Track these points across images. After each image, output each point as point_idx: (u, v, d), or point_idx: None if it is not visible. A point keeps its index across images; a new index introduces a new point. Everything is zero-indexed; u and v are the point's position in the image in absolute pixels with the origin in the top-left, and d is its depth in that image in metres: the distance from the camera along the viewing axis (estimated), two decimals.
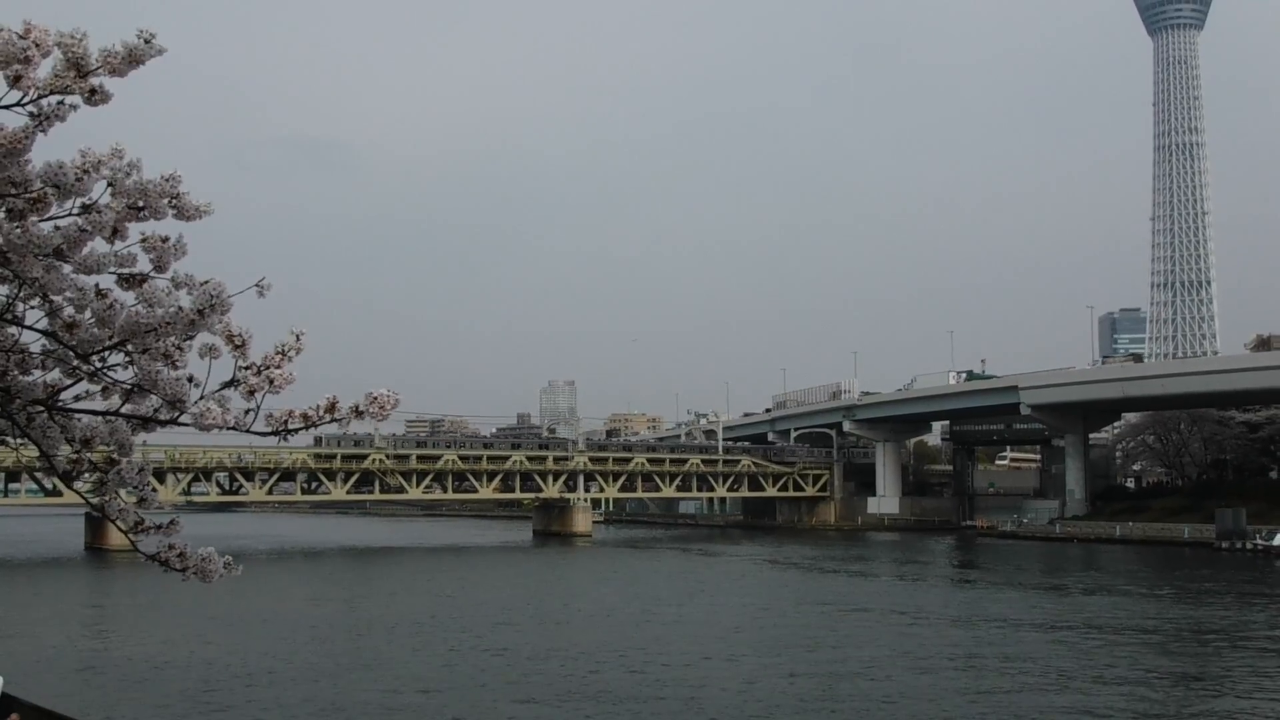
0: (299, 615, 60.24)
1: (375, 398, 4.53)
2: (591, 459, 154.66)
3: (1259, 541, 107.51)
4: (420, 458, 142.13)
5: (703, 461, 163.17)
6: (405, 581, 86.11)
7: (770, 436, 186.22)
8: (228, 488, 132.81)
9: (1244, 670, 44.26)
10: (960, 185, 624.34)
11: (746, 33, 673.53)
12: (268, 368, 4.49)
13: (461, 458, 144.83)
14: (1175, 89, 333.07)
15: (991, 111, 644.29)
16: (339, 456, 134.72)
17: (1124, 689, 39.69)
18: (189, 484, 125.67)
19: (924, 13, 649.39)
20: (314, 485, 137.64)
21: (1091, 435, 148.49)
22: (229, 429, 4.48)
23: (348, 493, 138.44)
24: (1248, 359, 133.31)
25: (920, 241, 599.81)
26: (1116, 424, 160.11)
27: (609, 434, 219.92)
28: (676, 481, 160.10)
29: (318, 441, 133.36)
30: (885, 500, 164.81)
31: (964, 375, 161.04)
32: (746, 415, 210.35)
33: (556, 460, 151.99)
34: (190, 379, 4.53)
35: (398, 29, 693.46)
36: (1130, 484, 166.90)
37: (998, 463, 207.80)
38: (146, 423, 4.61)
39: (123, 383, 4.58)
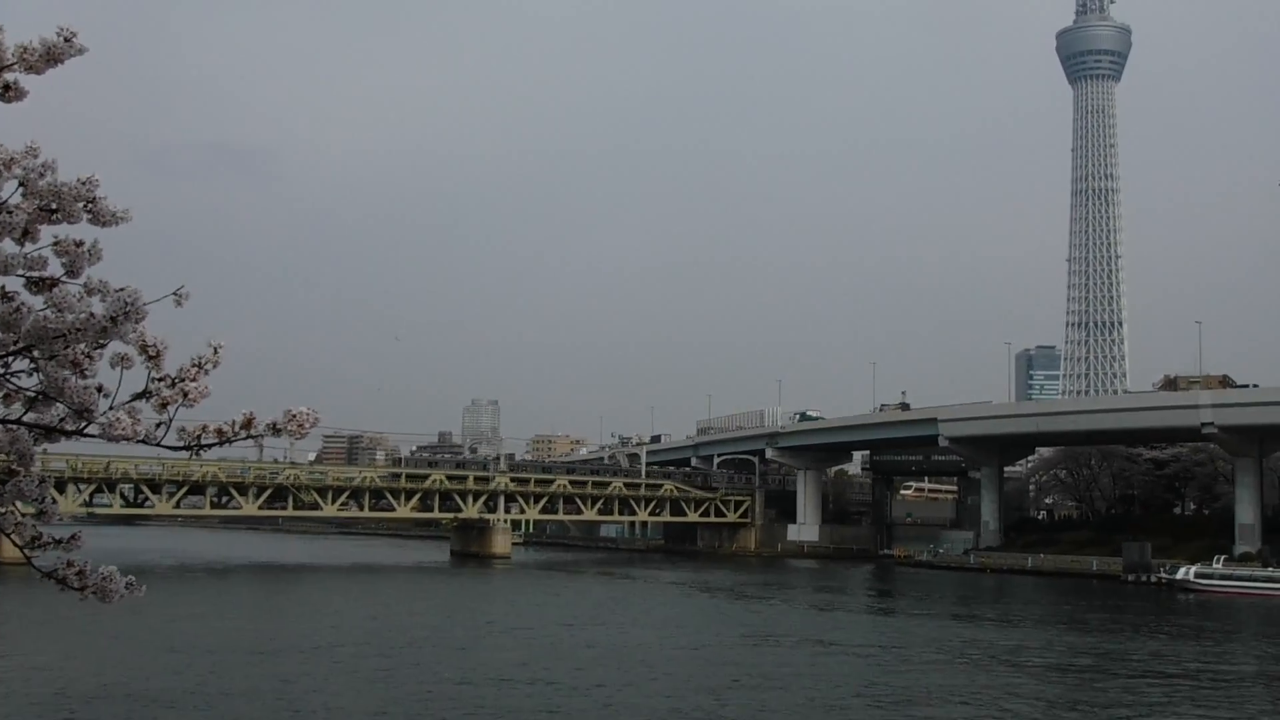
0: (197, 634, 58.86)
1: (293, 415, 4.40)
2: (513, 479, 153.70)
3: (1164, 575, 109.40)
4: (336, 474, 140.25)
5: (625, 485, 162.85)
6: (315, 601, 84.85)
7: (694, 462, 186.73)
8: (133, 500, 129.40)
9: (1131, 697, 45.16)
10: (888, 221, 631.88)
11: (695, 62, 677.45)
12: (182, 380, 4.34)
13: (380, 475, 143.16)
14: (1093, 136, 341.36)
15: (918, 150, 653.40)
16: (252, 471, 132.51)
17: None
18: (91, 495, 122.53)
19: (852, 54, 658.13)
20: (224, 500, 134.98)
21: (1006, 468, 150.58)
22: (139, 442, 4.31)
23: (259, 508, 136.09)
24: (1155, 398, 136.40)
25: (845, 274, 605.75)
26: (1031, 458, 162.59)
27: (536, 455, 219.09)
28: (599, 505, 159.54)
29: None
30: (805, 528, 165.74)
31: (880, 407, 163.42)
32: (671, 440, 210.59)
33: (477, 480, 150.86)
34: (99, 389, 4.36)
35: (327, 36, 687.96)
36: (1043, 517, 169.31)
37: (915, 493, 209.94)
38: (50, 432, 4.43)
39: (26, 390, 4.39)
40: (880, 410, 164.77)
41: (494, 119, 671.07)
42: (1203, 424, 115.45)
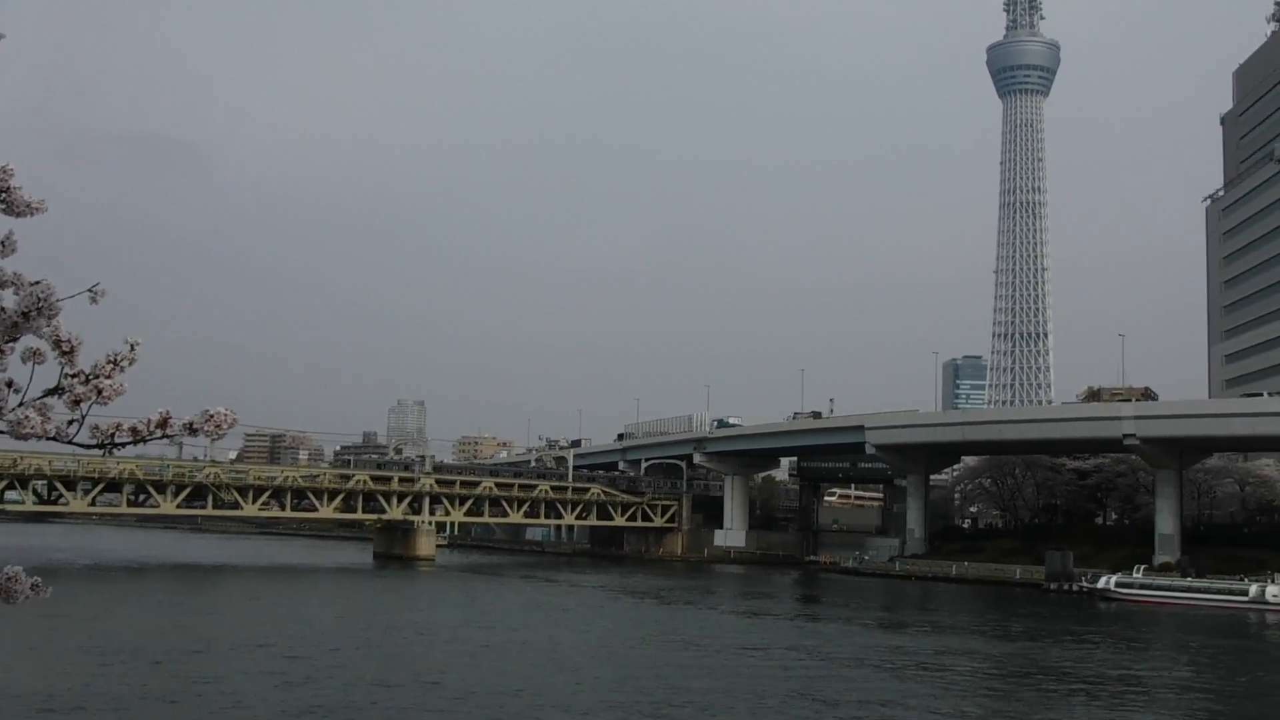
0: (111, 636, 57.67)
1: (211, 415, 4.25)
2: (439, 481, 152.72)
3: (1085, 584, 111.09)
4: (258, 473, 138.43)
5: (552, 488, 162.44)
6: (233, 602, 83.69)
7: (621, 466, 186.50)
8: (46, 497, 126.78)
9: (1049, 703, 45.79)
10: (818, 232, 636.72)
11: (631, 67, 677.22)
12: (97, 377, 4.17)
13: (302, 475, 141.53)
14: (1021, 150, 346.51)
15: (850, 160, 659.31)
16: (171, 469, 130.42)
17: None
18: (2, 491, 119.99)
19: (785, 60, 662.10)
20: (141, 498, 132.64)
21: (932, 477, 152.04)
22: (49, 439, 4.15)
23: (178, 507, 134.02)
24: (1079, 409, 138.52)
25: (774, 282, 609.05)
26: (956, 466, 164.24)
27: (463, 457, 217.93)
28: (525, 507, 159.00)
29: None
30: (732, 533, 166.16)
31: (794, 415, 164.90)
32: (599, 443, 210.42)
33: (402, 481, 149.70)
34: (9, 384, 4.19)
35: (255, 30, 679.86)
36: (967, 525, 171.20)
37: (841, 499, 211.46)
38: None
39: None
40: (795, 418, 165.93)
41: (428, 115, 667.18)
42: (1125, 435, 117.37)
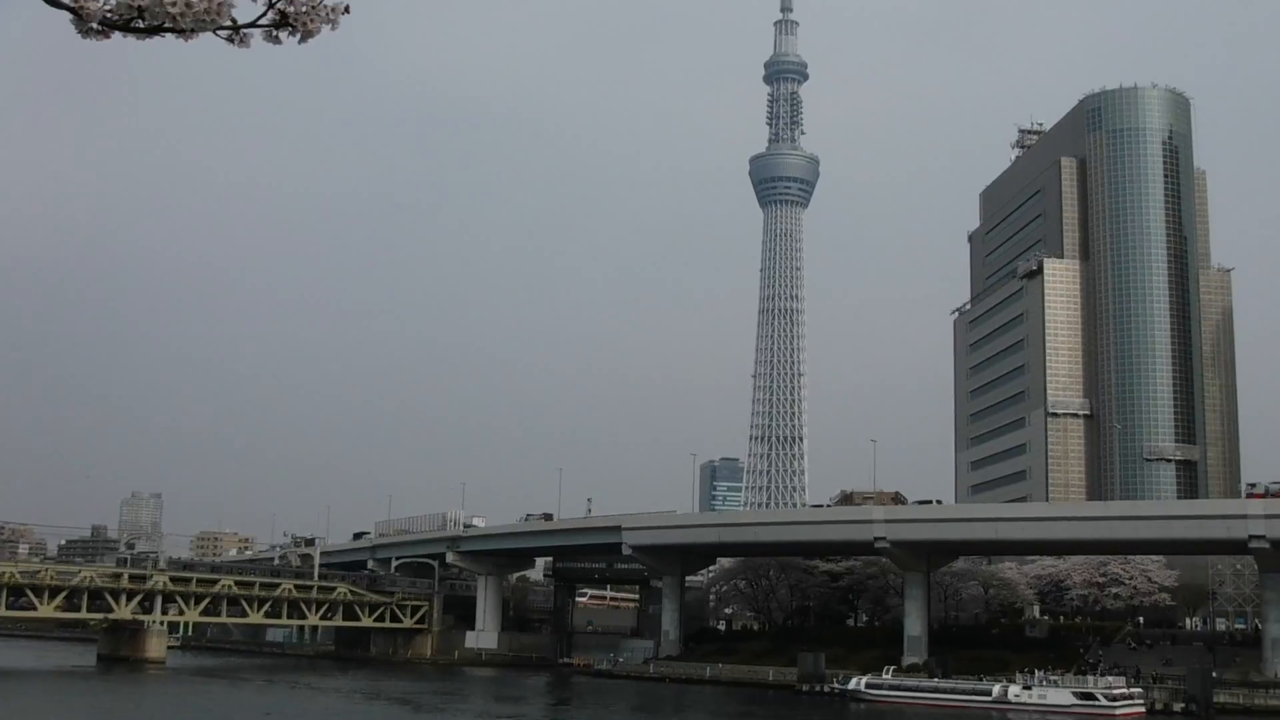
0: None
1: None
2: (173, 578, 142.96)
3: (836, 685, 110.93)
4: None
5: (296, 587, 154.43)
6: None
7: (370, 564, 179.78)
8: None
9: None
10: (579, 329, 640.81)
11: (389, 157, 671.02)
12: None
13: (20, 570, 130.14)
14: (781, 258, 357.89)
15: (617, 261, 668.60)
16: None
17: None
18: None
19: (552, 160, 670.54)
20: None
21: (688, 577, 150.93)
22: None
23: None
24: (831, 512, 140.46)
25: (537, 380, 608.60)
26: (712, 568, 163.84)
27: (201, 553, 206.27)
28: (266, 607, 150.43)
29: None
30: (484, 635, 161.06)
31: (525, 517, 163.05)
32: (347, 540, 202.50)
33: (132, 579, 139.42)
34: None
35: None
36: (722, 626, 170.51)
37: (594, 599, 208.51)
38: None
39: None
40: (526, 519, 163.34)
41: (151, 195, 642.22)
42: (875, 539, 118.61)
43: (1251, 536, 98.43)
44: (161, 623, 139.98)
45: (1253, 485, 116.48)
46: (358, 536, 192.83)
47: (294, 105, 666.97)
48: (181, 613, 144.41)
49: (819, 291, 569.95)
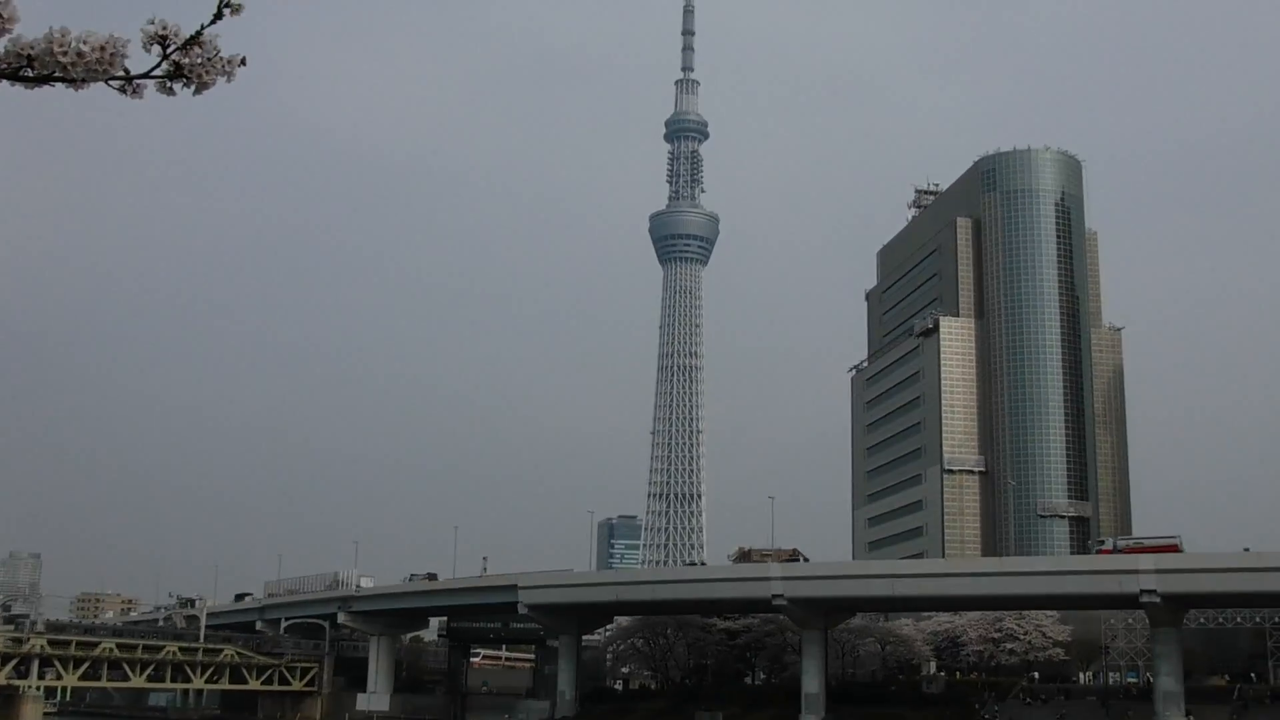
0: None
1: None
2: (50, 641, 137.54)
3: None
4: None
5: (181, 649, 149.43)
6: None
7: (259, 625, 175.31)
8: None
9: None
10: (474, 385, 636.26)
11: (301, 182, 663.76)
12: None
13: None
14: (680, 315, 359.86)
15: (517, 316, 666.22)
16: None
17: None
18: None
19: (452, 220, 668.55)
20: None
21: (585, 637, 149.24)
22: None
23: None
24: (729, 570, 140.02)
25: (432, 437, 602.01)
26: (609, 626, 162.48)
27: (82, 614, 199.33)
28: (149, 670, 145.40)
29: None
30: (376, 697, 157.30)
31: (410, 577, 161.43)
32: (235, 601, 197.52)
33: (9, 641, 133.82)
34: None
35: None
36: (619, 686, 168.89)
37: (487, 660, 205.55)
38: None
39: None
40: (411, 579, 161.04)
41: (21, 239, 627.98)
42: (773, 596, 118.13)
43: (1143, 591, 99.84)
44: (38, 688, 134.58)
45: (1101, 541, 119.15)
46: (239, 598, 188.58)
47: (187, 156, 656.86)
48: (60, 677, 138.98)
49: (719, 348, 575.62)
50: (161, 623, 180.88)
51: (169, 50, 5.78)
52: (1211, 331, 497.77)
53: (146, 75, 5.84)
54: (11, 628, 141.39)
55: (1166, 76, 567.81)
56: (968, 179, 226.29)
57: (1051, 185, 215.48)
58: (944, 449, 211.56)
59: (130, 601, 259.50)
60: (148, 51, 5.80)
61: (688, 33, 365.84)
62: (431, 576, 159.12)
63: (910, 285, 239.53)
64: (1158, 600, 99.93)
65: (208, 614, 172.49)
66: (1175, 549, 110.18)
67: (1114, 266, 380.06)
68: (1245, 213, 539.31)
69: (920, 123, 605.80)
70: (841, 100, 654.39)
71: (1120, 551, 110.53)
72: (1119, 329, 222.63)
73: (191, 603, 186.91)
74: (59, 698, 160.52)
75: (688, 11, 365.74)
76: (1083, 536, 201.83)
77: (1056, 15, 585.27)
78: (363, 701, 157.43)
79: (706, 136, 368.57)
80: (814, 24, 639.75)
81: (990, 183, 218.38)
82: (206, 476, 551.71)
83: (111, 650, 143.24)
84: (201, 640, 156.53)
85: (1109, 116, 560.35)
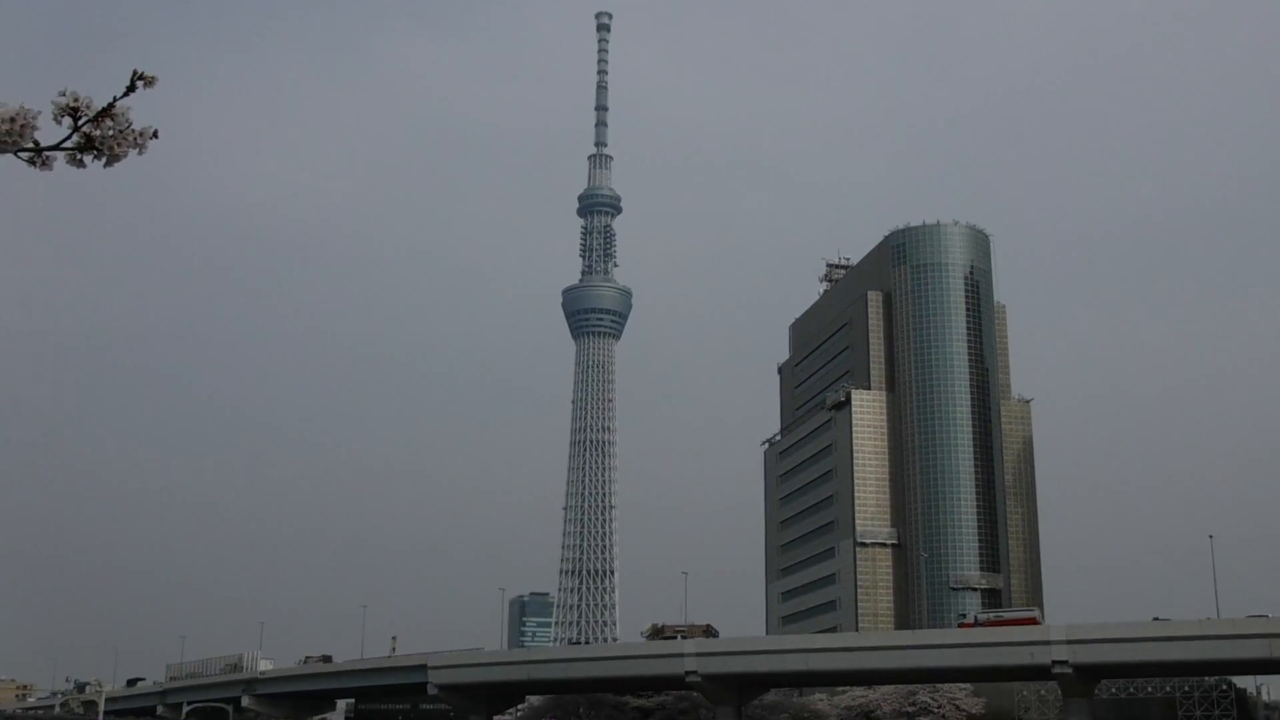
0: None
1: None
2: None
3: None
4: None
5: None
6: None
7: (160, 710, 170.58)
8: None
9: None
10: (382, 460, 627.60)
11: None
12: None
13: None
14: (593, 390, 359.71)
15: (426, 389, 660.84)
16: None
17: None
18: None
19: (363, 290, 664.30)
20: None
21: (496, 716, 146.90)
22: None
23: None
24: (642, 647, 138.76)
25: (336, 515, 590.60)
26: (521, 705, 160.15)
27: None
28: None
29: None
30: None
31: (303, 660, 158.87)
32: (136, 686, 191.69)
33: None
34: None
35: None
36: None
37: None
38: None
39: None
40: (305, 662, 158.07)
41: None
42: (687, 673, 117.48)
43: (1055, 662, 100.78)
44: None
45: (963, 615, 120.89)
46: (132, 683, 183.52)
47: (95, 226, 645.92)
48: None
49: (631, 422, 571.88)
50: (58, 709, 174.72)
51: (80, 122, 5.68)
52: (1117, 403, 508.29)
53: (56, 147, 5.72)
54: None
55: (1074, 152, 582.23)
56: (878, 253, 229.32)
57: (961, 259, 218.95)
58: (856, 522, 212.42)
59: (25, 688, 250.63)
60: (58, 123, 5.71)
61: (601, 108, 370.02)
62: (326, 658, 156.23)
63: (823, 358, 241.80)
64: (1070, 671, 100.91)
65: (106, 699, 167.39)
66: (1034, 622, 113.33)
67: (1022, 339, 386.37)
68: (1151, 288, 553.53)
69: (831, 197, 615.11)
70: (752, 175, 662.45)
71: (981, 625, 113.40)
72: (1028, 401, 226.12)
73: (82, 688, 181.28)
74: None
75: (601, 88, 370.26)
76: (995, 608, 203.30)
77: (965, 94, 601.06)
78: None
79: (619, 211, 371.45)
80: (725, 100, 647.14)
81: (900, 256, 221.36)
82: (104, 553, 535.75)
83: None
84: None
85: (1017, 192, 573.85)
